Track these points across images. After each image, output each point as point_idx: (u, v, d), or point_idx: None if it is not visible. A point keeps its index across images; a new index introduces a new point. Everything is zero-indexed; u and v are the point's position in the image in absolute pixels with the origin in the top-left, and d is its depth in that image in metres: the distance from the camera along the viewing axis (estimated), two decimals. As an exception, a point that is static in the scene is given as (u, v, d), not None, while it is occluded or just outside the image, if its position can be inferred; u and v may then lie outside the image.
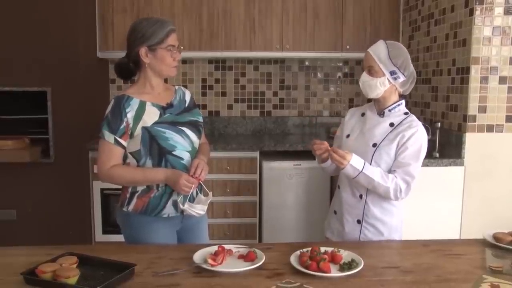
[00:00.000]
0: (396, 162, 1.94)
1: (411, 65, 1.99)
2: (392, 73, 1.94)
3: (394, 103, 2.01)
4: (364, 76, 1.99)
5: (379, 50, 1.96)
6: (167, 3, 3.58)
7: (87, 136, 3.54)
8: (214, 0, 3.61)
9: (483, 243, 1.85)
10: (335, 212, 2.15)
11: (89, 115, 3.77)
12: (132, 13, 3.56)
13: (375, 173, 1.90)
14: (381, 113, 2.03)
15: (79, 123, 3.82)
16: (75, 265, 1.51)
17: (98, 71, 3.89)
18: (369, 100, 2.10)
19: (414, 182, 1.92)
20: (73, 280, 1.41)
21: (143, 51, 1.86)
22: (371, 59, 1.97)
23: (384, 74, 1.95)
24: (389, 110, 2.01)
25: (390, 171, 1.95)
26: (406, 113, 2.02)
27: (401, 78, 1.96)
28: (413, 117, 2.01)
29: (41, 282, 1.42)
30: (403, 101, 2.04)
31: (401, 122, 1.99)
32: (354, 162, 1.89)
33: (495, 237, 1.84)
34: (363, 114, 2.11)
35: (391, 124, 1.99)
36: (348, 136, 2.10)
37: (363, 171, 1.89)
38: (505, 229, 1.89)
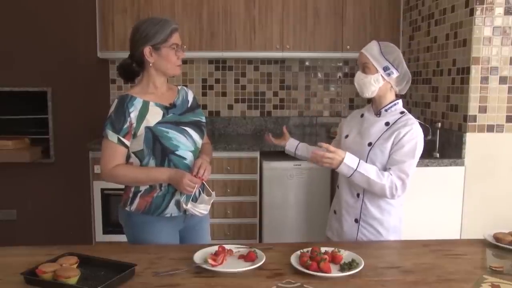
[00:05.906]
0: (391, 159, 1.94)
1: (405, 64, 2.00)
2: (385, 68, 1.95)
3: (391, 102, 2.02)
4: (359, 75, 2.01)
5: (371, 47, 1.99)
6: (167, 3, 3.58)
7: (88, 136, 3.55)
8: (214, 0, 3.61)
9: (484, 243, 1.85)
10: (334, 212, 2.16)
11: (90, 115, 3.78)
12: (132, 13, 3.55)
13: (370, 171, 1.90)
14: (377, 113, 2.04)
15: (79, 123, 3.83)
16: (75, 265, 1.51)
17: (98, 71, 3.89)
18: (369, 101, 2.11)
19: (409, 179, 1.92)
20: (73, 280, 1.41)
21: (147, 50, 1.87)
22: (364, 57, 1.99)
23: (377, 71, 1.96)
24: (386, 110, 2.02)
25: (385, 169, 1.96)
26: (402, 112, 2.03)
27: (395, 74, 1.97)
28: (409, 116, 2.01)
29: (41, 282, 1.42)
30: (399, 101, 2.04)
31: (396, 121, 2.00)
32: (348, 160, 1.90)
33: (496, 237, 1.83)
34: (362, 115, 2.12)
35: (387, 123, 2.00)
36: (347, 136, 2.12)
37: (357, 169, 1.90)
38: (505, 229, 1.89)
